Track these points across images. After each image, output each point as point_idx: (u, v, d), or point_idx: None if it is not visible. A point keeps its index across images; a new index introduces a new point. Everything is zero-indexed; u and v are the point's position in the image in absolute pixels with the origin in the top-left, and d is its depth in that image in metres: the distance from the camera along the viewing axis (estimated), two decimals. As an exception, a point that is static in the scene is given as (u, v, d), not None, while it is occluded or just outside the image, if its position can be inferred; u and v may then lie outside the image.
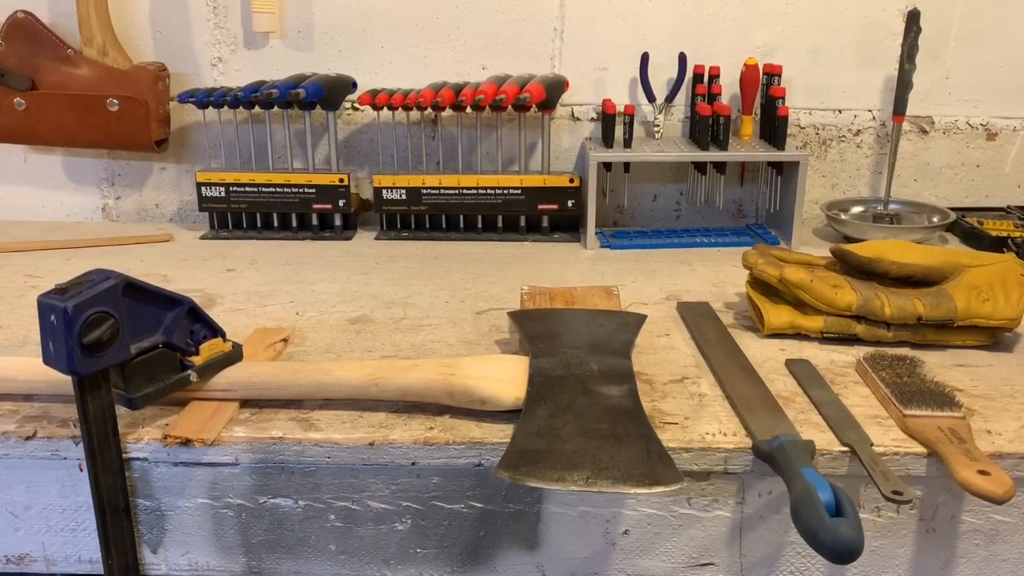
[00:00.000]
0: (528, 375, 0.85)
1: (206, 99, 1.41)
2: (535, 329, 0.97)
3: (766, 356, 0.99)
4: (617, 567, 0.83)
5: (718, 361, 0.96)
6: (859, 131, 1.54)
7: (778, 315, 1.05)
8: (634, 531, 0.82)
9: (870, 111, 1.53)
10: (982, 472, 0.73)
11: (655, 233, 1.49)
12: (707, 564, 0.83)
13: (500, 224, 1.49)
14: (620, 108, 1.43)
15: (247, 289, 1.22)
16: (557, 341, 0.93)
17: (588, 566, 0.83)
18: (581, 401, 0.80)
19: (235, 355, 0.86)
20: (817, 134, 1.55)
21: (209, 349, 0.84)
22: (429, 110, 1.42)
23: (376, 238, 1.48)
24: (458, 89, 1.40)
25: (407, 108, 1.41)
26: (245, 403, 0.86)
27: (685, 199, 1.57)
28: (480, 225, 1.49)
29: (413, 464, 0.80)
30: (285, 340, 1.02)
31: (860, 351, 0.98)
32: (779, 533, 0.82)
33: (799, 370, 0.95)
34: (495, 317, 1.11)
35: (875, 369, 0.92)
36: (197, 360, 0.83)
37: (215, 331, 0.85)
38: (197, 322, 0.83)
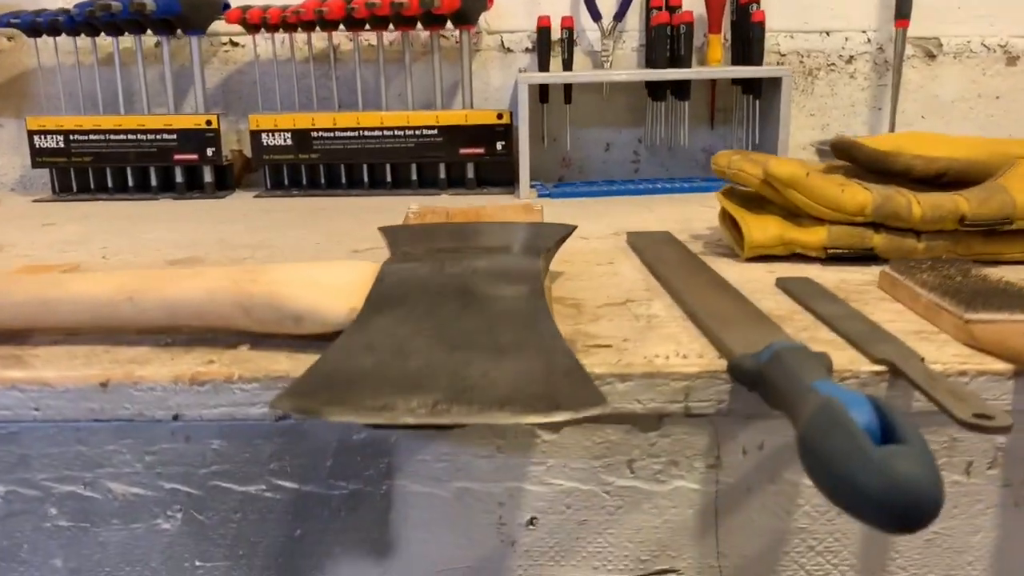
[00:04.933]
0: (376, 278, 0.54)
1: (32, 21, 1.12)
2: (413, 243, 0.66)
3: (749, 279, 0.68)
4: (520, 581, 0.51)
5: (678, 279, 0.66)
6: (851, 57, 1.26)
7: (762, 228, 0.74)
8: (545, 519, 0.50)
9: (864, 32, 1.25)
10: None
11: (609, 183, 1.20)
12: (665, 572, 0.51)
13: (415, 177, 1.19)
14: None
15: (56, 239, 0.91)
16: (437, 247, 0.62)
17: (473, 580, 0.51)
18: (451, 306, 0.50)
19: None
20: (801, 63, 1.26)
21: None
22: (318, 30, 1.13)
23: (256, 196, 1.18)
24: (348, 2, 1.11)
25: (288, 27, 1.12)
26: (-71, 338, 0.54)
27: (644, 146, 1.28)
28: (390, 179, 1.19)
29: (175, 418, 0.49)
30: (58, 277, 0.70)
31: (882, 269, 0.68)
32: (779, 515, 0.50)
33: (797, 288, 0.64)
34: (375, 256, 0.80)
35: (910, 275, 0.62)
36: None
37: None
38: None
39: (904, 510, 0.33)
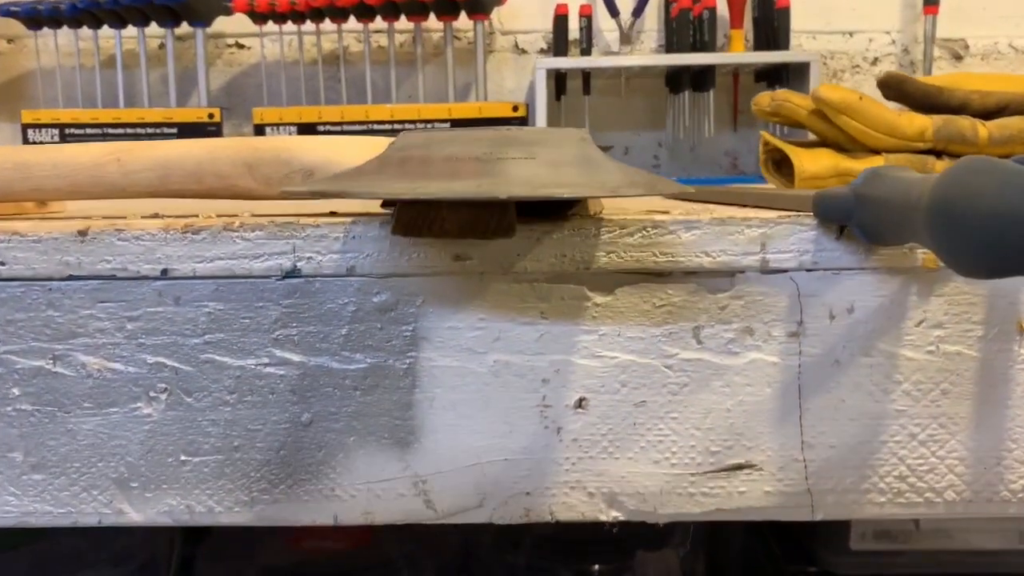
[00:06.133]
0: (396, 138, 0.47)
1: (33, 11, 1.08)
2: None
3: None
4: (568, 477, 0.43)
5: (727, 194, 0.59)
6: (876, 59, 1.23)
7: (814, 158, 0.68)
8: (596, 400, 0.43)
9: (887, 33, 1.22)
10: None
11: (627, 182, 1.14)
12: (738, 467, 0.43)
13: (425, 176, 1.13)
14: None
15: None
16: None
17: (510, 477, 0.43)
18: (486, 143, 0.43)
19: None
20: (826, 64, 1.23)
21: None
22: (327, 22, 1.10)
23: (259, 192, 1.12)
24: (362, -11, 1.08)
25: (296, 17, 1.08)
26: None
27: (665, 149, 1.23)
28: (398, 177, 1.13)
29: (164, 274, 0.42)
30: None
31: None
32: (874, 395, 0.43)
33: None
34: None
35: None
36: None
37: None
38: None
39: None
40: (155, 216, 0.45)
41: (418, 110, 1.11)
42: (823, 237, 0.41)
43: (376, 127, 1.11)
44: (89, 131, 1.11)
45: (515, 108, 1.11)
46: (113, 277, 0.42)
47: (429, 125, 1.10)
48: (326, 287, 0.42)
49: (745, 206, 0.52)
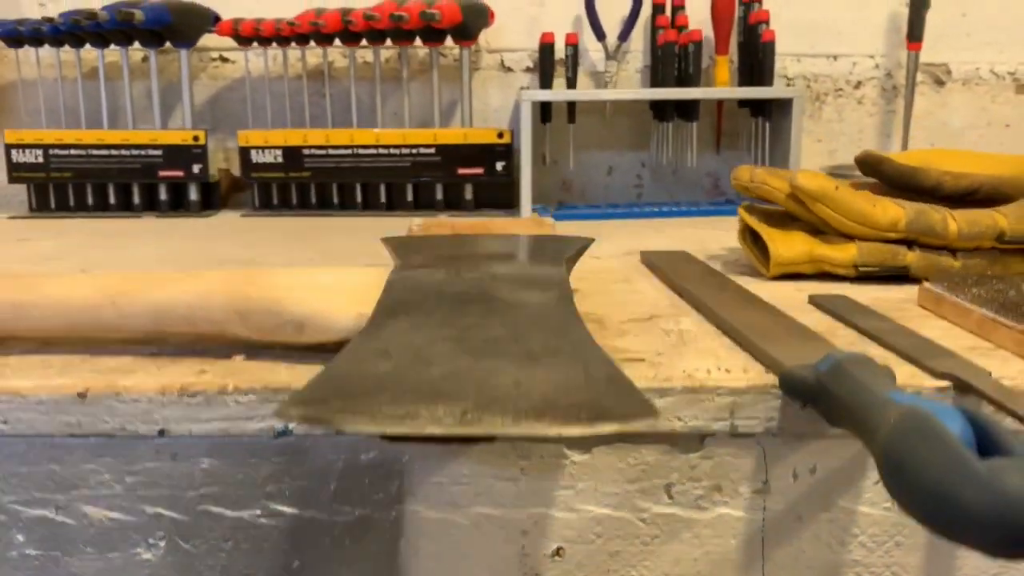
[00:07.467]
0: (385, 284, 0.49)
1: (14, 30, 1.07)
2: (421, 252, 0.61)
3: (777, 297, 0.64)
4: (544, 620, 0.46)
5: (704, 295, 0.61)
6: (859, 83, 1.24)
7: (789, 244, 0.70)
8: (572, 550, 0.45)
9: (871, 57, 1.23)
10: None
11: (613, 207, 1.16)
12: (705, 610, 0.46)
13: (411, 198, 1.15)
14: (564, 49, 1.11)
15: (32, 254, 0.86)
16: (450, 255, 0.58)
17: (491, 619, 0.46)
18: (472, 312, 0.45)
19: None
20: (809, 87, 1.24)
21: None
22: (312, 44, 1.09)
23: (243, 215, 1.13)
24: (345, 15, 1.07)
25: (281, 40, 1.08)
26: None
27: (648, 170, 1.24)
28: (384, 199, 1.15)
29: (161, 434, 0.43)
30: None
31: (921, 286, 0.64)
32: (832, 546, 0.45)
33: (833, 305, 0.60)
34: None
35: (956, 290, 0.58)
36: None
37: None
38: None
39: (1020, 531, 0.28)
40: (153, 355, 0.46)
41: (403, 135, 1.12)
42: (788, 406, 0.44)
43: (361, 151, 1.11)
44: (73, 151, 1.11)
45: (500, 135, 1.11)
46: (112, 436, 0.44)
47: (414, 150, 1.11)
48: (317, 445, 0.44)
49: (725, 332, 0.54)
